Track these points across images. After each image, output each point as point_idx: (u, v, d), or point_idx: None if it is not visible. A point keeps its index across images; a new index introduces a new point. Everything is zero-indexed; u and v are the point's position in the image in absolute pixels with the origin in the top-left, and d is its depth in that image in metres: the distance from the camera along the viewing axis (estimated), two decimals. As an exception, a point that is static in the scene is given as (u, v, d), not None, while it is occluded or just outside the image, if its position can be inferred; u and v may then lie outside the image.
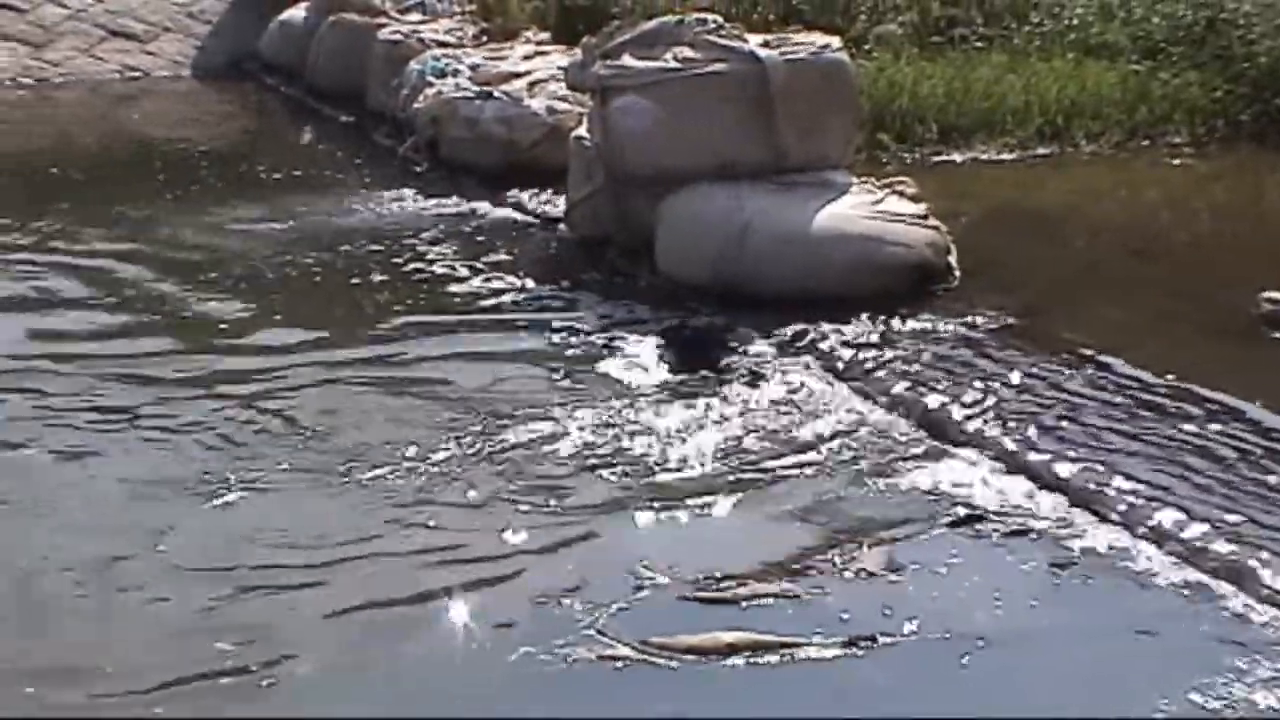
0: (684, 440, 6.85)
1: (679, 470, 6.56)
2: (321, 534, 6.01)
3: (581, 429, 6.98)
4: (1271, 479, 6.12)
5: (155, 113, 16.23)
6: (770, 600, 5.47)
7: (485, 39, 14.40)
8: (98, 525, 6.13)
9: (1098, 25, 13.80)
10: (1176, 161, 12.02)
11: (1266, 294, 7.95)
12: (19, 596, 5.59)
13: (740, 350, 7.97)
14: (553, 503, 6.28)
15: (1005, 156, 12.08)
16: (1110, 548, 5.78)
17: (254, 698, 4.94)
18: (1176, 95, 12.77)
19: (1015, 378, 7.28)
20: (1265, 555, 5.52)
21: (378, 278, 9.54)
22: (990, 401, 7.03)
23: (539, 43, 13.86)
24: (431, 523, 6.12)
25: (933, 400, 7.13)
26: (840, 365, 7.66)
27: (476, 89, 12.35)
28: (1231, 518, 5.81)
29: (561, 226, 10.36)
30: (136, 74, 17.66)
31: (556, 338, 8.29)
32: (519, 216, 10.98)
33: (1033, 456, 6.48)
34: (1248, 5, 13.12)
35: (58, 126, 15.18)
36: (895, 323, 8.07)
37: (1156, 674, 4.97)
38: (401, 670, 5.13)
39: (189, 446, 6.89)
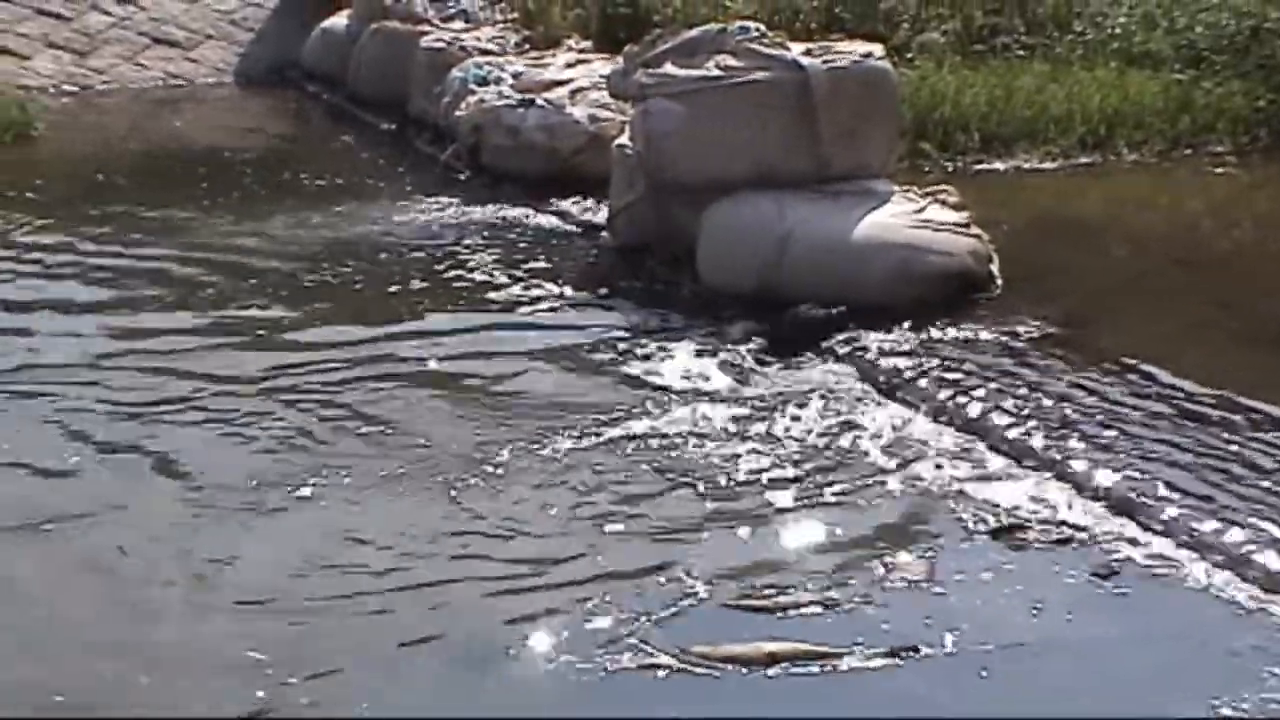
0: (725, 449, 6.86)
1: (719, 478, 6.57)
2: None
3: (625, 436, 7.00)
4: (1314, 490, 6.11)
5: (198, 119, 16.27)
6: (812, 609, 5.48)
7: (527, 47, 14.43)
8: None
9: (1140, 34, 13.76)
10: (1219, 171, 11.98)
11: (1309, 304, 7.95)
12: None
13: (783, 359, 7.97)
14: (595, 511, 6.30)
15: (1047, 165, 12.06)
16: (1152, 557, 5.78)
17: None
18: (1219, 105, 12.73)
19: (1057, 387, 7.28)
20: (1308, 566, 5.52)
21: (418, 284, 9.56)
22: (1032, 410, 7.03)
23: (581, 50, 13.86)
24: (476, 525, 6.15)
25: (975, 409, 7.13)
26: (882, 374, 7.66)
27: (519, 97, 12.36)
28: (1274, 528, 5.79)
29: (603, 234, 10.37)
30: (179, 81, 17.71)
31: (595, 344, 8.32)
32: (561, 224, 10.99)
33: (1075, 465, 6.48)
34: (1292, 15, 13.11)
35: (102, 133, 15.23)
36: (937, 331, 8.07)
37: (1198, 684, 4.96)
38: (438, 674, 5.16)
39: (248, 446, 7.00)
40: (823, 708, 4.95)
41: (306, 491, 6.50)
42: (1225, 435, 6.64)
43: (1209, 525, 5.87)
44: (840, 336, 8.07)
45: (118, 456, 6.93)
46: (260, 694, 5.01)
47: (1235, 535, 5.77)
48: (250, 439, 7.10)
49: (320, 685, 5.08)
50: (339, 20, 16.98)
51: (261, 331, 8.67)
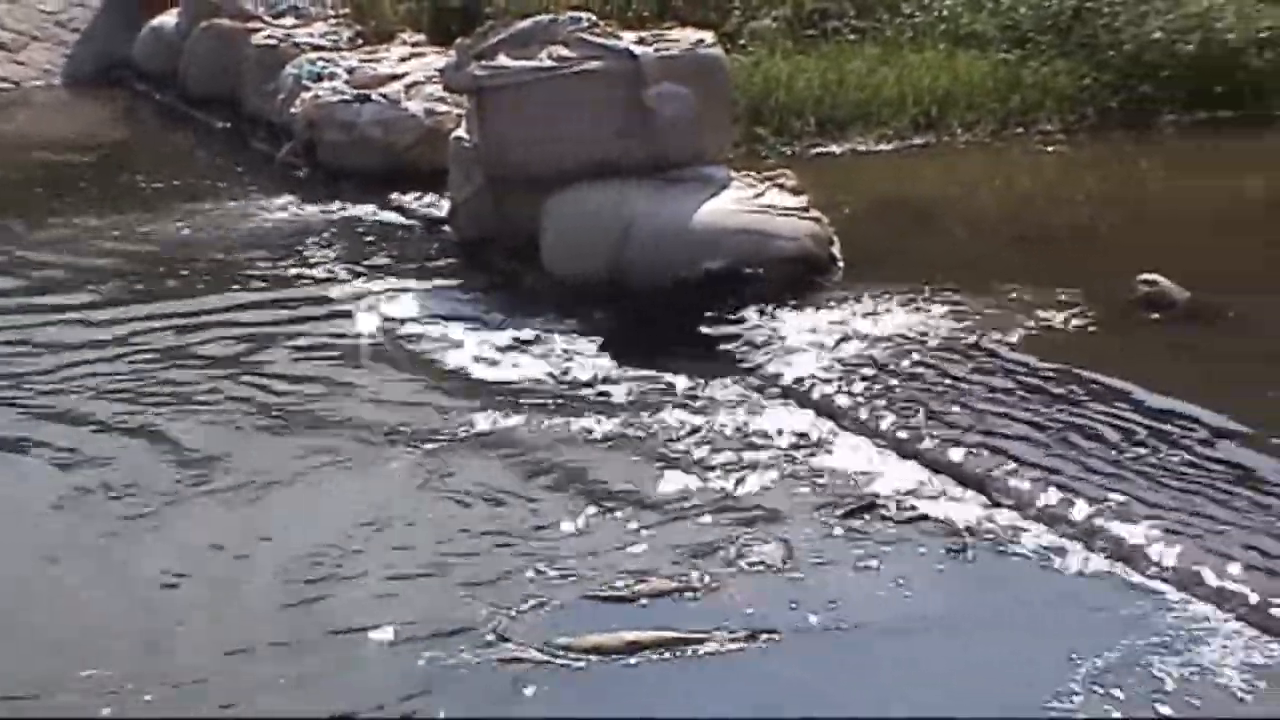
0: (576, 441, 6.88)
1: (571, 471, 6.59)
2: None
3: (475, 433, 7.01)
4: (1156, 458, 6.23)
5: (30, 123, 16.06)
6: (670, 596, 5.51)
7: (360, 42, 14.36)
8: None
9: (967, 16, 13.94)
10: (1050, 149, 12.19)
11: (1142, 277, 8.07)
12: None
13: (628, 347, 8.00)
14: (450, 507, 6.30)
15: (882, 147, 12.21)
16: (1003, 530, 5.87)
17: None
18: (1046, 84, 12.94)
19: (903, 365, 7.38)
20: (1155, 534, 5.63)
21: (259, 284, 9.52)
22: (880, 390, 7.12)
23: (414, 44, 13.82)
24: (332, 525, 6.13)
25: (823, 390, 7.21)
26: (731, 359, 7.71)
27: (353, 92, 12.31)
28: (1119, 497, 5.91)
29: (445, 228, 10.35)
30: (6, 85, 17.47)
31: (440, 339, 8.31)
32: (401, 219, 10.98)
33: (924, 443, 6.57)
34: (1112, -7, 13.33)
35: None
36: (781, 315, 8.14)
37: (1054, 654, 5.03)
38: (305, 675, 5.14)
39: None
40: (687, 693, 4.98)
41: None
42: (1069, 408, 6.75)
43: (1056, 497, 5.98)
44: (688, 323, 8.09)
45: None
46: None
47: (1083, 506, 5.88)
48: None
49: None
50: (168, 19, 16.84)
51: (102, 337, 8.58)
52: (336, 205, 11.39)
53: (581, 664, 5.11)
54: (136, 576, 5.79)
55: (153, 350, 8.36)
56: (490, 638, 5.24)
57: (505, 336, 8.30)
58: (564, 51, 9.36)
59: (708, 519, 6.11)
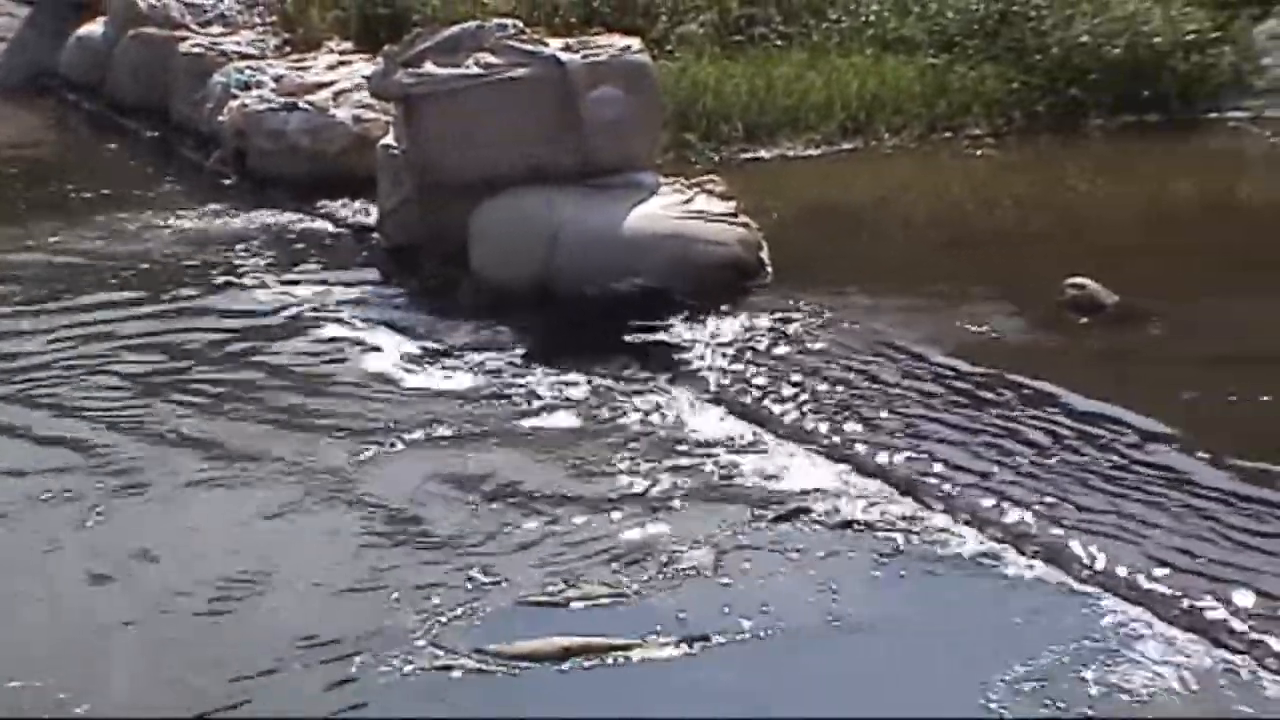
0: (507, 448, 6.88)
1: (502, 478, 6.57)
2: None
3: (404, 441, 7.00)
4: (1085, 461, 6.26)
5: (-44, 133, 15.95)
6: (602, 602, 5.51)
7: (288, 49, 14.30)
8: None
9: (894, 20, 13.97)
10: (978, 153, 12.23)
11: (1070, 280, 8.11)
12: None
13: (557, 353, 7.99)
14: (380, 516, 6.27)
15: (811, 152, 12.21)
16: (934, 534, 5.89)
17: None
18: (974, 88, 12.97)
19: (833, 371, 7.39)
20: (1084, 536, 5.66)
21: (189, 292, 9.46)
22: (809, 395, 7.13)
23: (342, 52, 13.77)
24: (258, 534, 6.11)
25: (753, 396, 7.21)
26: (660, 365, 7.71)
27: (281, 100, 12.26)
28: (1049, 500, 5.94)
29: (374, 236, 10.32)
30: (-67, 95, 17.37)
31: (371, 346, 8.29)
32: (330, 227, 10.94)
33: (855, 448, 6.58)
34: (1037, -2, 13.40)
35: None
36: (711, 321, 8.14)
37: (985, 655, 5.06)
38: (252, 685, 5.12)
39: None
40: (619, 699, 4.98)
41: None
42: (998, 412, 6.77)
43: (987, 501, 6.01)
44: (617, 329, 8.09)
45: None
46: None
47: (1013, 510, 5.91)
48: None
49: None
50: (95, 27, 16.71)
51: (29, 347, 8.52)
52: (265, 213, 11.34)
53: (514, 671, 5.10)
54: (62, 590, 5.77)
55: (75, 359, 8.29)
56: (421, 644, 5.22)
57: (433, 343, 8.29)
58: (491, 59, 9.34)
59: (638, 525, 6.11)
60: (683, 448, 6.82)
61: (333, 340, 8.49)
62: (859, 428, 6.75)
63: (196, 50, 14.31)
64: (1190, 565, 5.45)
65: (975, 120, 12.79)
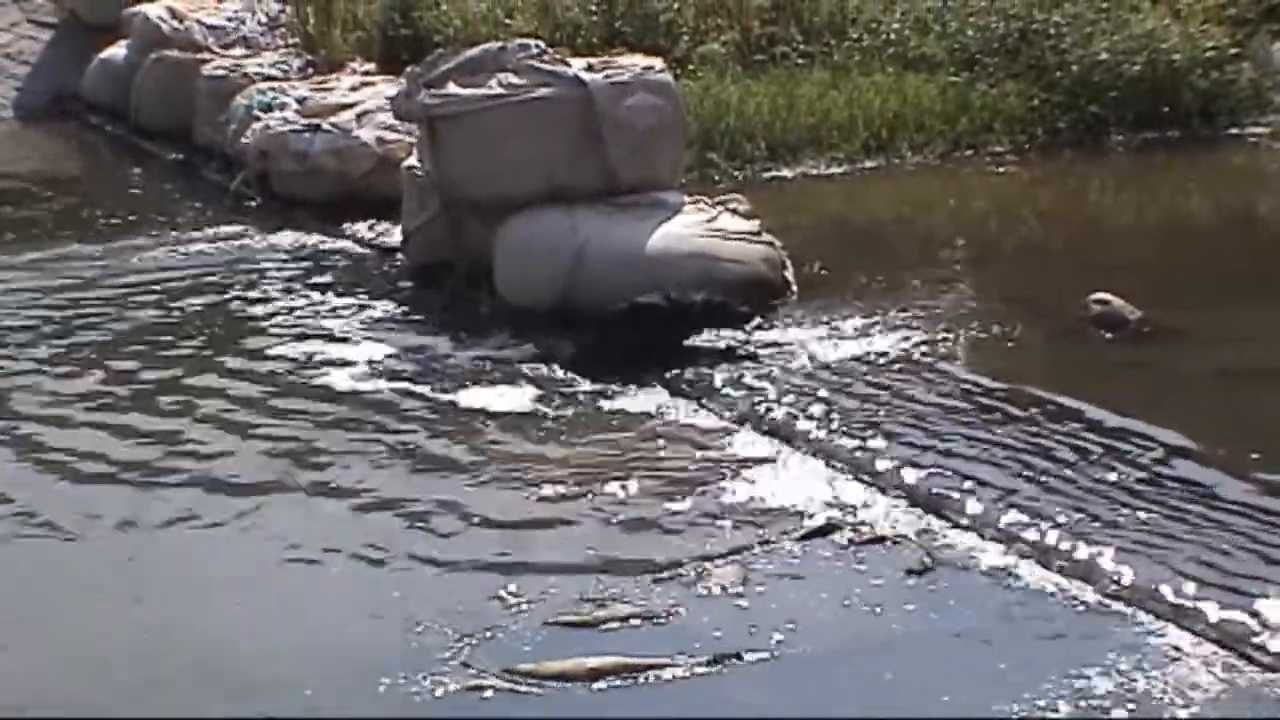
0: (533, 468, 6.89)
1: (530, 498, 6.60)
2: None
3: (429, 457, 7.05)
4: (1111, 476, 6.27)
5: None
6: (631, 622, 5.51)
7: (311, 71, 14.30)
8: None
9: (915, 39, 13.95)
10: (1000, 170, 12.23)
11: (1094, 296, 8.12)
12: None
13: (581, 372, 8.02)
14: (412, 536, 6.31)
15: (834, 170, 12.22)
16: (962, 552, 5.89)
17: None
18: (995, 105, 12.96)
19: (859, 388, 7.41)
20: (1111, 552, 5.66)
21: (216, 315, 9.51)
22: (835, 412, 7.14)
23: (365, 73, 13.79)
24: (290, 554, 6.14)
25: (780, 413, 7.22)
26: (687, 384, 7.74)
27: (305, 122, 12.29)
28: (1076, 516, 5.95)
29: (399, 256, 10.36)
30: (-42, 118, 17.44)
31: (396, 366, 8.34)
32: (356, 248, 10.98)
33: (881, 465, 6.59)
34: (1057, 16, 13.38)
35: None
36: (736, 339, 8.16)
37: (1015, 675, 5.07)
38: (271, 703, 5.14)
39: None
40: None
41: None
42: (1024, 428, 6.79)
43: (1014, 518, 6.01)
44: (641, 347, 8.11)
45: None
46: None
47: (1040, 525, 5.91)
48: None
49: None
50: (117, 50, 16.72)
51: (50, 369, 8.58)
52: (289, 234, 11.39)
53: (543, 691, 5.11)
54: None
55: (96, 375, 8.41)
56: (452, 665, 5.24)
57: (459, 362, 8.31)
58: (514, 79, 9.37)
59: (666, 543, 6.12)
60: (708, 465, 6.83)
61: (356, 357, 8.50)
62: (886, 444, 6.75)
63: (219, 73, 14.32)
64: (1216, 579, 5.45)
65: (997, 137, 12.78)
